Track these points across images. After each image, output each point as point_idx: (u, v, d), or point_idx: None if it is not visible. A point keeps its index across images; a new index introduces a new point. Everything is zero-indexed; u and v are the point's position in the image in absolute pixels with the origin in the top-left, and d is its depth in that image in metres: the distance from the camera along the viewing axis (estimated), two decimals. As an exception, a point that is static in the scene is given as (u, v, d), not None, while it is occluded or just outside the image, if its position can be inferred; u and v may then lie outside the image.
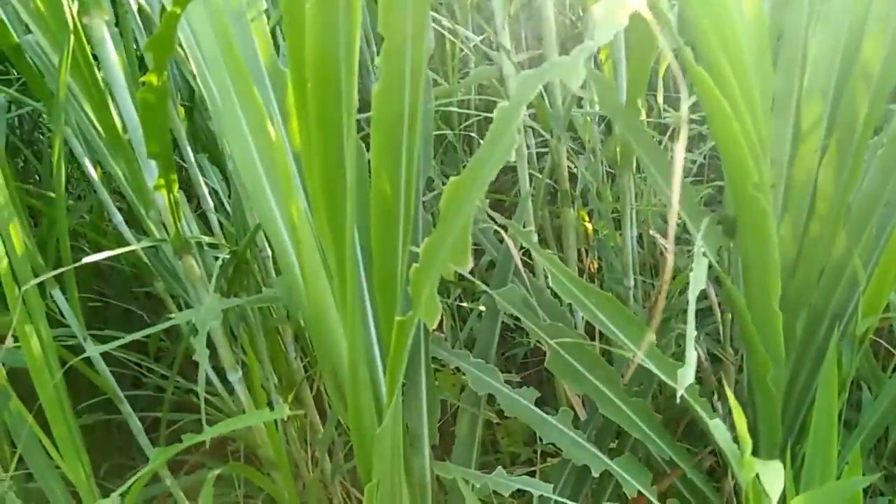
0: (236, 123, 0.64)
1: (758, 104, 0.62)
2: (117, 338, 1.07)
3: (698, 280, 0.44)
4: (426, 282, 0.48)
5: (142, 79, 0.54)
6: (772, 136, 0.78)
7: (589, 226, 1.18)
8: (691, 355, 0.42)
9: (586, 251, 1.25)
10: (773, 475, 0.40)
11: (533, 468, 1.15)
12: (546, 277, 0.72)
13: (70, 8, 0.70)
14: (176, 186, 0.71)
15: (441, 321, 1.36)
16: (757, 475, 0.42)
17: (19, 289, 0.64)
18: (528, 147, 1.19)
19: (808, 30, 0.77)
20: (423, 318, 0.49)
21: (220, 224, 1.08)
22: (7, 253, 0.64)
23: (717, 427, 0.45)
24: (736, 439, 0.50)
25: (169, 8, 0.46)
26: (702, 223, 0.65)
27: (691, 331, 0.43)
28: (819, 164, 0.79)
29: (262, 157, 0.65)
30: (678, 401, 0.45)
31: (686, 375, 0.41)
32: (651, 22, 0.37)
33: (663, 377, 0.73)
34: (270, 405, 1.10)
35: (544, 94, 1.07)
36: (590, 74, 0.70)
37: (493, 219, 0.80)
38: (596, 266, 1.32)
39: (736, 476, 1.10)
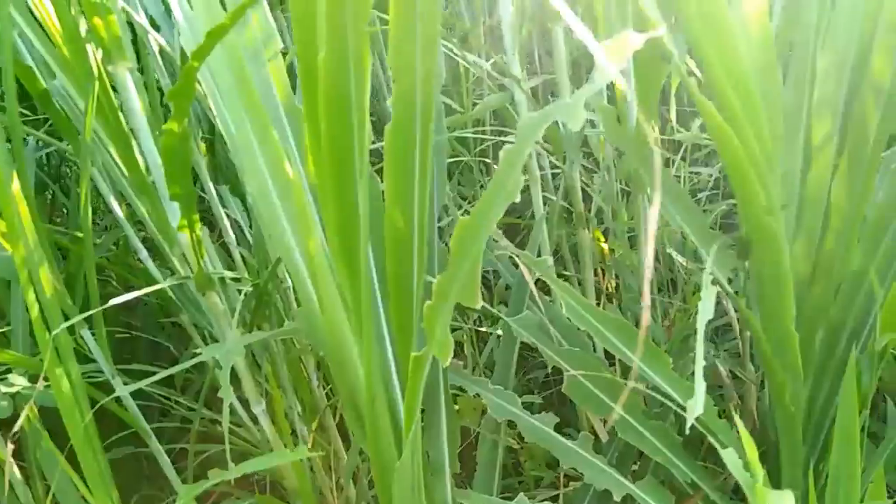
0: (253, 160, 0.66)
1: (764, 126, 0.63)
2: (145, 373, 1.10)
3: (705, 310, 0.45)
4: (438, 318, 0.49)
5: (164, 126, 0.56)
6: (783, 153, 0.78)
7: (605, 246, 1.18)
8: (700, 386, 0.42)
9: (603, 271, 1.26)
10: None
11: (557, 492, 1.15)
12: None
13: (95, 56, 0.72)
14: (198, 226, 0.73)
15: (461, 346, 1.36)
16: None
17: (50, 331, 0.66)
18: (542, 168, 1.20)
19: (816, 44, 0.78)
20: (437, 355, 0.50)
21: (243, 256, 1.10)
22: (38, 296, 0.67)
23: (728, 456, 0.45)
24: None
25: (190, 56, 0.48)
26: (712, 247, 0.65)
27: (699, 361, 0.43)
28: (832, 179, 0.79)
29: (279, 193, 0.67)
30: (688, 430, 0.45)
31: (696, 406, 0.42)
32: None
33: (680, 401, 0.73)
34: (295, 434, 1.12)
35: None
36: (600, 109, 0.71)
37: (508, 246, 0.81)
38: (614, 285, 1.32)
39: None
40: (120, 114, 0.77)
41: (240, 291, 0.84)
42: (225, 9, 0.63)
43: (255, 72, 0.71)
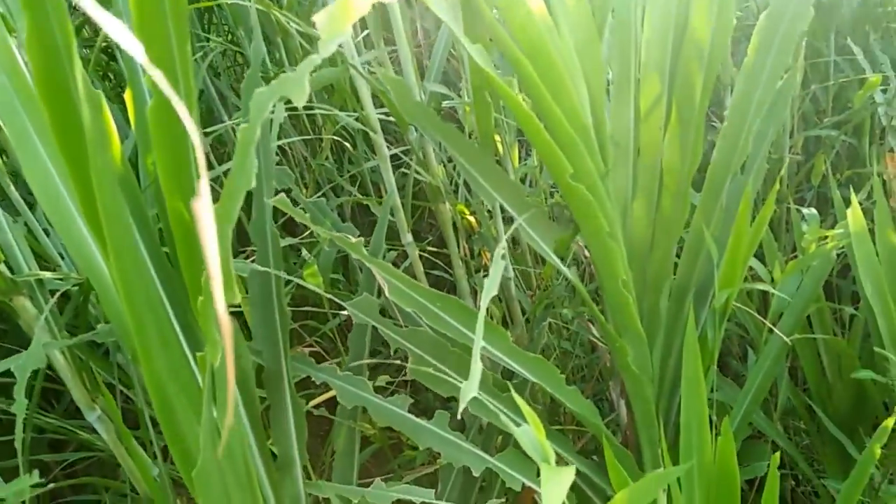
0: (32, 150, 0.59)
1: (572, 93, 0.61)
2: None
3: (490, 288, 0.42)
4: (209, 316, 0.45)
5: None
6: (613, 118, 0.77)
7: (472, 218, 1.16)
8: (476, 367, 0.40)
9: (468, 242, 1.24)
10: (555, 484, 0.39)
11: (434, 468, 1.14)
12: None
13: None
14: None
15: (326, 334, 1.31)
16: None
17: None
18: (406, 143, 1.16)
19: (637, 10, 0.77)
20: (209, 356, 0.46)
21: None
22: None
23: (522, 434, 0.44)
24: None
25: None
26: (522, 216, 0.64)
27: (479, 338, 0.41)
28: (663, 141, 0.79)
29: (65, 185, 0.61)
30: (459, 416, 0.43)
31: (469, 390, 0.40)
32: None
33: (526, 374, 0.72)
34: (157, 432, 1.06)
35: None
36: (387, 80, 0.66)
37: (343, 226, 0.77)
38: (490, 256, 1.31)
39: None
40: None
41: (53, 293, 0.77)
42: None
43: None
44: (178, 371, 0.55)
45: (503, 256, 0.48)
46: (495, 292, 0.45)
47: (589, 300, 0.69)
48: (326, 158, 1.70)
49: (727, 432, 0.80)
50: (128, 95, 0.70)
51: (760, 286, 0.86)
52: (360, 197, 1.27)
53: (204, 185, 0.19)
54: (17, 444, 0.58)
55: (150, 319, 0.52)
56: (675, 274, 0.85)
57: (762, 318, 0.95)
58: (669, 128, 0.78)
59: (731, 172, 0.82)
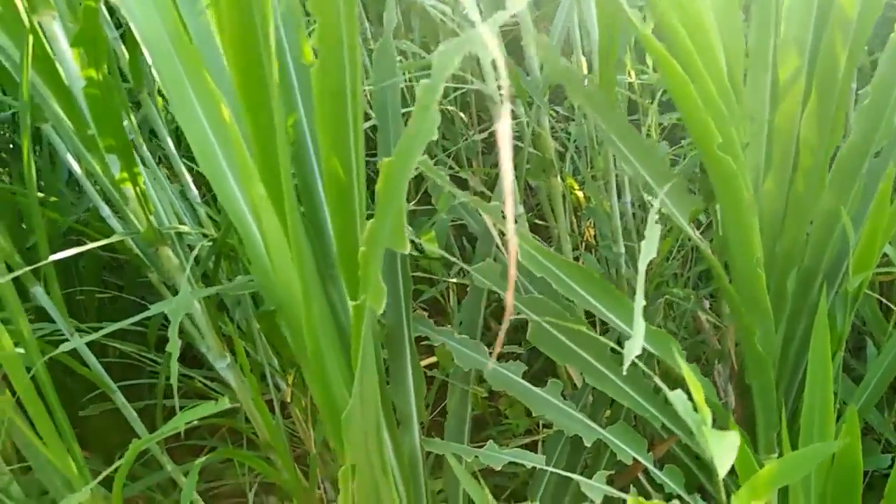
0: (190, 108, 0.63)
1: (721, 65, 0.60)
2: (125, 332, 1.09)
3: (649, 250, 0.43)
4: (371, 265, 0.47)
5: (81, 74, 0.53)
6: (749, 91, 0.75)
7: (580, 193, 1.15)
8: (639, 326, 0.41)
9: (579, 219, 1.23)
10: (726, 447, 0.39)
11: (535, 438, 1.15)
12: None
13: (23, 6, 0.69)
14: (141, 179, 0.71)
15: (435, 299, 1.34)
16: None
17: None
18: (516, 117, 1.17)
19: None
20: (370, 301, 0.48)
21: (209, 213, 1.08)
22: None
23: (677, 397, 0.44)
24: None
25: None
26: (664, 186, 0.63)
27: (639, 303, 0.41)
28: (801, 117, 0.76)
29: (219, 140, 0.64)
30: (624, 373, 0.44)
31: (634, 346, 0.40)
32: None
33: (645, 346, 0.72)
34: (273, 386, 1.11)
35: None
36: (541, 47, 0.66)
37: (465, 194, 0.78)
38: (594, 233, 1.30)
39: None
40: (58, 66, 0.73)
41: (190, 248, 0.82)
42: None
43: (191, 19, 0.68)
44: (326, 321, 0.57)
45: (656, 221, 0.48)
46: (653, 255, 0.45)
47: (722, 274, 0.67)
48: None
49: (853, 419, 0.78)
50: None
51: (899, 270, 0.82)
52: (460, 169, 1.28)
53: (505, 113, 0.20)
54: (173, 381, 0.63)
55: (310, 271, 0.54)
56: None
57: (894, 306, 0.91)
58: (808, 104, 0.75)
59: (872, 151, 0.78)
